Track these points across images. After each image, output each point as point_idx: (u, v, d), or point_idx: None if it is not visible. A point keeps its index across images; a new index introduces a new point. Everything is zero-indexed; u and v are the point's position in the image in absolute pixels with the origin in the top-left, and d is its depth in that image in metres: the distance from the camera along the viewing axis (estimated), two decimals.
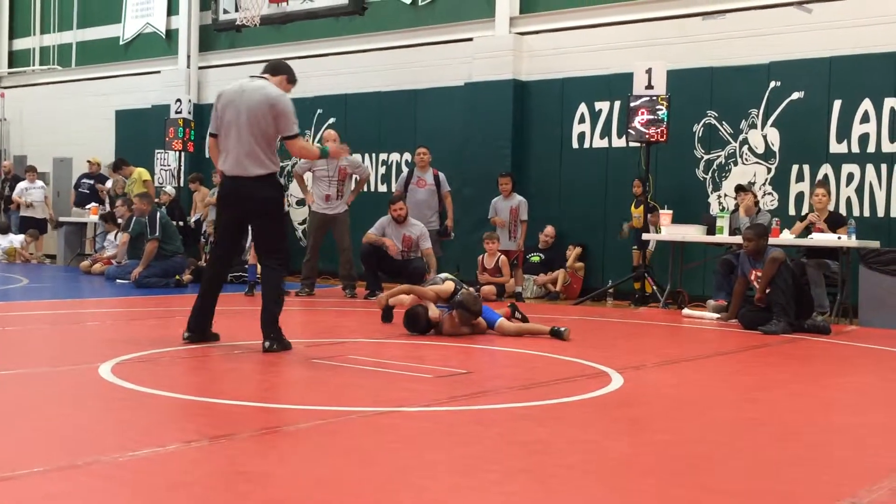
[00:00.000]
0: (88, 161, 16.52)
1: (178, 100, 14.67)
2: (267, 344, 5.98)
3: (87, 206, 15.40)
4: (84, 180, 16.56)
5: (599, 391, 4.94)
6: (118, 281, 11.73)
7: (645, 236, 10.47)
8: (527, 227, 11.35)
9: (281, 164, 14.21)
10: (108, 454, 3.32)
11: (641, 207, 10.81)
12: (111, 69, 17.58)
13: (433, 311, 6.99)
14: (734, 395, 5.13)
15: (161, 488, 2.97)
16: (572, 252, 11.66)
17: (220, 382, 4.99)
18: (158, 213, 11.51)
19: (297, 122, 6.25)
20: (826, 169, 10.16)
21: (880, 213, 9.86)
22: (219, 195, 6.53)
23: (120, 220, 13.39)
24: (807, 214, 9.60)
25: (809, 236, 9.29)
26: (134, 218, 11.83)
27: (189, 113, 14.63)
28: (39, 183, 16.63)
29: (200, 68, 16.20)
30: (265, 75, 6.33)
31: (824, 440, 4.08)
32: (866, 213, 9.89)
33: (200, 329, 6.29)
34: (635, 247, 10.87)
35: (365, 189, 11.45)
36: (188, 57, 16.16)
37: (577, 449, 3.70)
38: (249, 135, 6.07)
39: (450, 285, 7.23)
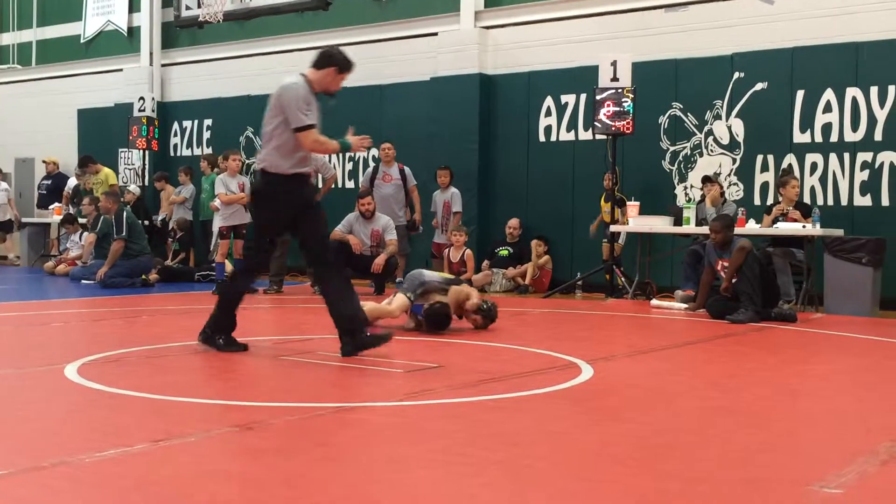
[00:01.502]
0: (44, 161, 16.30)
1: (142, 98, 14.51)
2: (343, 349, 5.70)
3: (51, 207, 15.21)
4: (43, 181, 16.35)
5: (569, 382, 4.95)
6: (83, 281, 11.59)
7: (613, 228, 10.50)
8: (460, 219, 11.50)
9: (246, 160, 14.21)
10: (75, 455, 3.27)
11: (610, 203, 10.80)
12: (72, 68, 17.36)
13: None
14: (703, 383, 5.17)
15: (128, 489, 2.93)
16: (535, 249, 11.67)
17: (187, 381, 4.95)
18: (125, 213, 11.38)
19: (308, 114, 5.66)
20: (790, 159, 10.25)
21: (843, 201, 9.96)
22: None
23: (84, 220, 13.24)
24: (773, 206, 9.68)
25: (776, 225, 9.37)
26: (102, 217, 11.70)
27: (153, 111, 14.48)
28: (3, 185, 16.36)
29: (163, 66, 16.05)
30: (307, 71, 5.83)
31: (792, 427, 4.12)
32: (830, 202, 10.00)
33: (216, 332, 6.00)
34: (605, 240, 10.90)
35: (332, 186, 11.40)
36: (151, 54, 16.00)
37: (548, 440, 3.70)
38: (265, 133, 5.80)
39: (471, 290, 7.21)
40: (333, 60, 5.79)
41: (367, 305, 6.80)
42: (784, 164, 10.25)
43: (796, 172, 10.10)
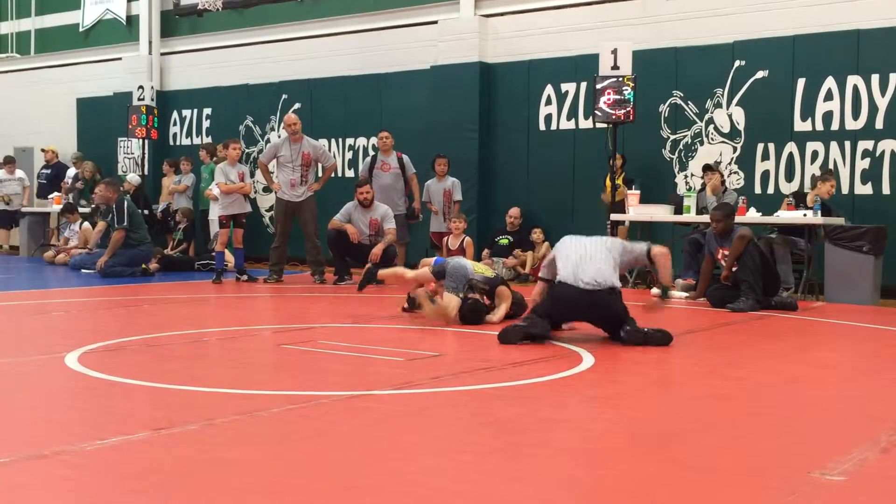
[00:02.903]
0: (43, 150, 16.25)
1: (141, 87, 14.48)
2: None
3: (50, 196, 15.18)
4: (43, 170, 16.29)
5: (571, 370, 4.95)
6: (83, 271, 11.59)
7: (614, 217, 10.47)
8: (459, 207, 11.47)
9: (246, 150, 14.23)
10: (76, 443, 3.27)
11: (619, 190, 10.72)
12: (71, 56, 17.31)
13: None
14: (704, 371, 5.16)
15: (130, 477, 2.93)
16: (536, 239, 11.65)
17: (188, 370, 4.94)
18: (125, 202, 11.36)
19: None
20: (791, 147, 10.24)
21: (844, 190, 9.94)
22: None
23: (85, 210, 13.26)
24: (796, 193, 9.62)
25: (776, 213, 9.36)
26: (114, 206, 11.67)
27: (152, 100, 14.45)
28: (19, 174, 16.11)
29: (163, 54, 16.00)
30: None
31: (793, 414, 4.12)
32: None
33: None
34: (608, 224, 10.87)
35: (331, 175, 11.37)
36: (150, 43, 15.95)
37: (550, 428, 3.70)
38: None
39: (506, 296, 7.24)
40: None
41: (427, 308, 6.70)
42: (785, 153, 10.23)
43: (796, 161, 10.09)
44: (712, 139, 10.77)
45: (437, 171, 11.61)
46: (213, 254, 11.08)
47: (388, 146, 11.44)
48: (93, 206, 13.27)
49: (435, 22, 12.81)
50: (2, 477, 2.90)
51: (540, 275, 6.77)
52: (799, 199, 9.57)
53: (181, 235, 13.38)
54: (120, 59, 16.29)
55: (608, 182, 10.90)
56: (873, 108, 9.80)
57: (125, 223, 11.12)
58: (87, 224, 13.22)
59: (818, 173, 9.76)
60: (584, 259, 6.34)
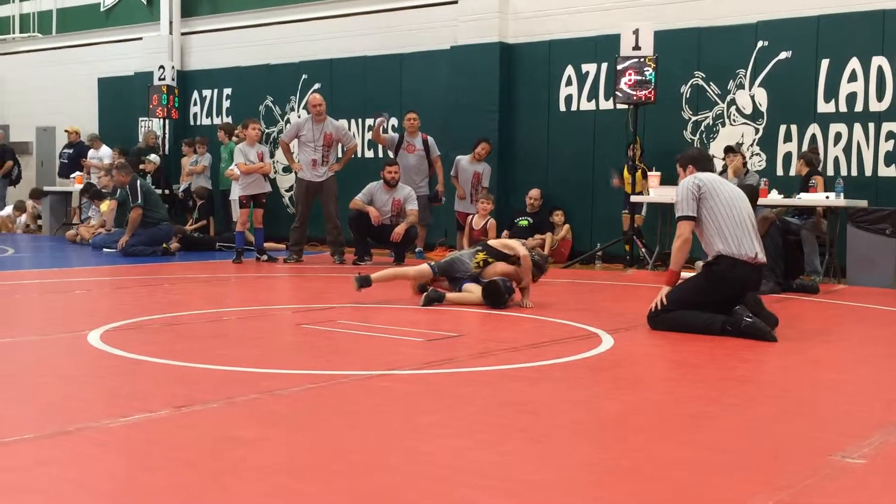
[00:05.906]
0: (66, 130, 16.33)
1: (161, 66, 14.49)
2: None
3: (72, 176, 15.27)
4: (65, 150, 16.38)
5: (591, 352, 4.95)
6: (105, 250, 11.67)
7: (634, 199, 10.44)
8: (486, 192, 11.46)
9: (267, 130, 14.23)
10: (99, 420, 3.30)
11: (639, 172, 10.69)
12: (92, 36, 17.35)
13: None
14: (723, 354, 5.15)
15: (152, 454, 2.96)
16: (557, 221, 11.63)
17: (209, 349, 4.98)
18: (139, 181, 11.42)
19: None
20: (814, 129, 10.15)
21: (868, 172, 9.85)
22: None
23: (105, 190, 13.34)
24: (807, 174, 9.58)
25: (798, 196, 9.29)
26: (128, 187, 11.76)
27: (172, 80, 14.47)
28: (107, 150, 15.62)
29: (183, 34, 16.01)
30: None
31: (813, 397, 4.11)
32: (854, 173, 9.89)
33: None
34: (625, 211, 10.84)
35: (352, 155, 11.37)
36: (170, 23, 15.95)
37: (569, 409, 3.71)
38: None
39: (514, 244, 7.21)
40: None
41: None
42: (808, 134, 10.14)
43: (819, 143, 10.00)
44: (734, 120, 10.69)
45: (476, 152, 11.52)
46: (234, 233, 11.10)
47: (415, 128, 11.42)
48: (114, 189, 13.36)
49: (455, 2, 12.74)
50: (26, 453, 2.94)
51: (688, 213, 6.11)
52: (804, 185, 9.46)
53: (198, 214, 13.44)
54: (140, 38, 16.32)
55: (626, 173, 10.84)
56: None
57: (140, 201, 11.17)
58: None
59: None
60: (745, 221, 5.88)
